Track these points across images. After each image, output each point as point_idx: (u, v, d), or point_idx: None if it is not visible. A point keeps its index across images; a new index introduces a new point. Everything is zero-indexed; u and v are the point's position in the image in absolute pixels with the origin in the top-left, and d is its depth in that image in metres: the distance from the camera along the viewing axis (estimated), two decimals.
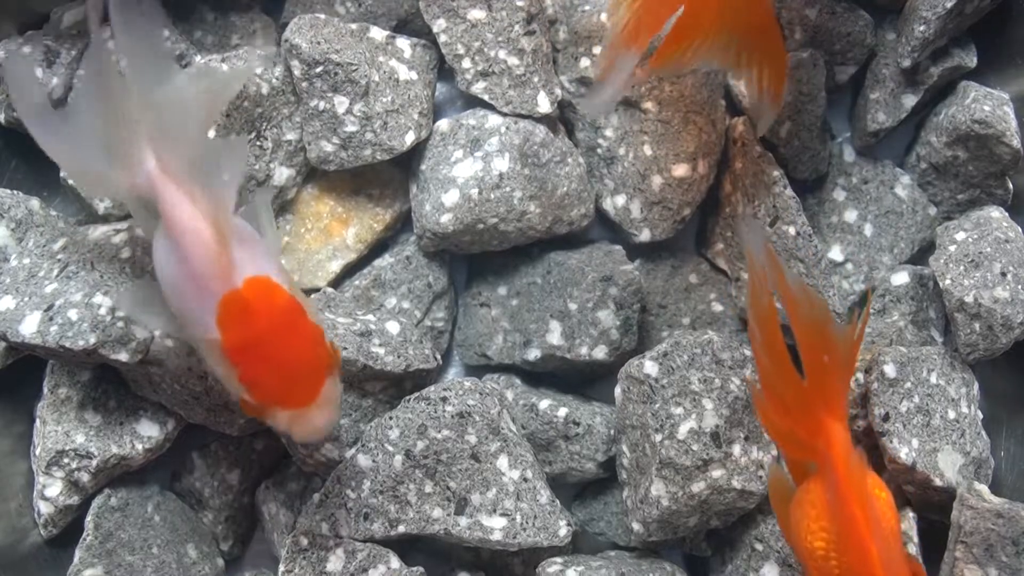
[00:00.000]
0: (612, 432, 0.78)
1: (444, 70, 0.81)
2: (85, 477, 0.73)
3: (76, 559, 0.73)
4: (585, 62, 0.79)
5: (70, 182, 0.77)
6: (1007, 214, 0.80)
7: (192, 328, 0.61)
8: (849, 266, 0.83)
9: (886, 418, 0.73)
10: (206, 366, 0.66)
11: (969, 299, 0.75)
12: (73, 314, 0.69)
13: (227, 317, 0.59)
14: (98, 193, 0.64)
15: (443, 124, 0.79)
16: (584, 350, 0.78)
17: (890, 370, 0.74)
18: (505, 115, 0.78)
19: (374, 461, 0.73)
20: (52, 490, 0.73)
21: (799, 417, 0.63)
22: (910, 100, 0.82)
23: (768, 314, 0.64)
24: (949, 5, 0.77)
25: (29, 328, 0.69)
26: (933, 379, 0.75)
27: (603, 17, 0.79)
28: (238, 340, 0.59)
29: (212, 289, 0.59)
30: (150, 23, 0.63)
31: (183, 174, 0.60)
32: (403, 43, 0.79)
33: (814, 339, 0.63)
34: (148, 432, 0.75)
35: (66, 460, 0.73)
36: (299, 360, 0.60)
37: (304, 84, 0.77)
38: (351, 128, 0.77)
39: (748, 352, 0.76)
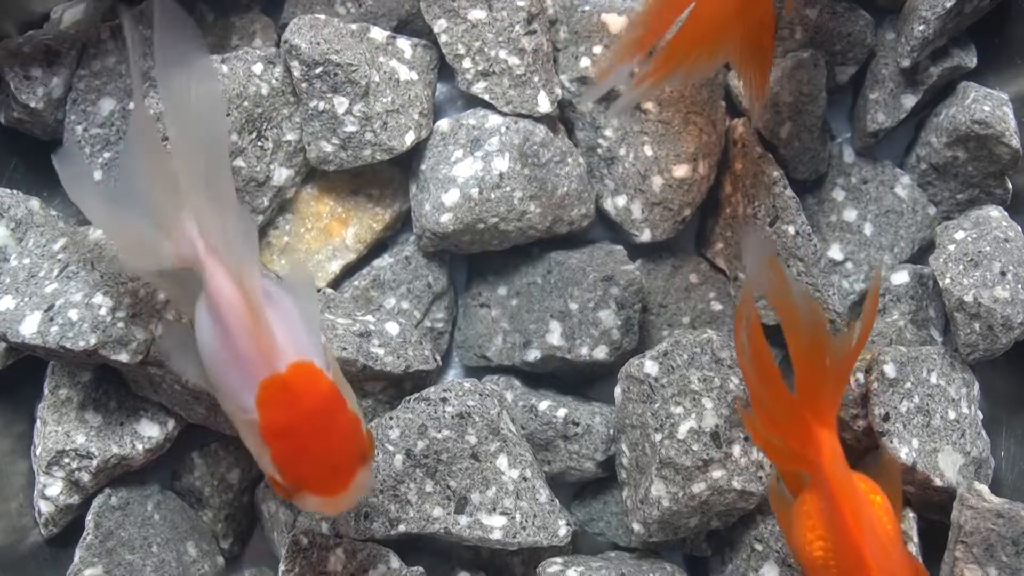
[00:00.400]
0: (611, 432, 0.78)
1: (444, 70, 0.81)
2: (86, 477, 0.74)
3: (76, 558, 0.73)
4: (585, 62, 0.79)
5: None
6: (1006, 214, 0.80)
7: (230, 403, 0.61)
8: (849, 265, 0.83)
9: (886, 418, 0.73)
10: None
11: (969, 298, 0.75)
12: (73, 314, 0.69)
13: (267, 400, 0.59)
14: (143, 264, 0.64)
15: (443, 124, 0.79)
16: (584, 350, 0.78)
17: (890, 370, 0.74)
18: (505, 115, 0.78)
19: (374, 461, 0.73)
20: (52, 490, 0.73)
21: (788, 428, 0.63)
22: (910, 100, 0.82)
23: (755, 326, 0.64)
24: (948, 5, 0.77)
25: (29, 328, 0.69)
26: (933, 379, 0.75)
27: (604, 17, 0.79)
28: (276, 424, 0.59)
29: (254, 370, 0.59)
30: (200, 88, 0.62)
31: (226, 247, 0.61)
32: (403, 43, 0.79)
33: (808, 349, 0.63)
34: (148, 432, 0.75)
35: (66, 460, 0.73)
36: (335, 449, 0.60)
37: (304, 85, 0.77)
38: (351, 128, 0.77)
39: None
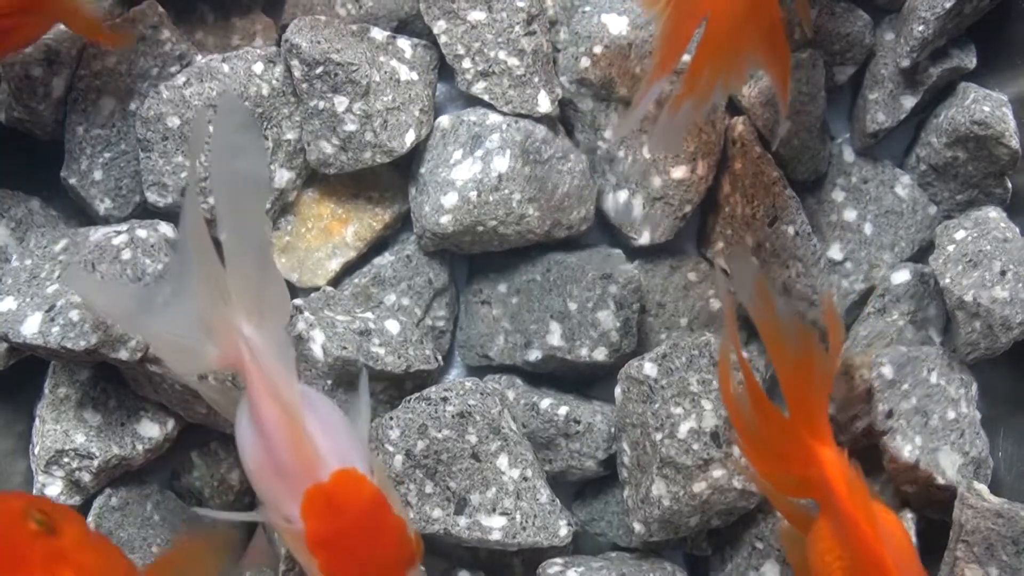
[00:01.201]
0: (612, 430, 0.78)
1: (445, 70, 0.81)
2: (87, 477, 0.73)
3: None
4: (585, 62, 0.79)
5: (71, 181, 0.77)
6: (1006, 214, 0.81)
7: (274, 513, 0.61)
8: (848, 265, 0.83)
9: (889, 416, 0.74)
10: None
11: (968, 298, 0.75)
12: (74, 315, 0.69)
13: (311, 510, 0.59)
14: (187, 369, 0.64)
15: (444, 120, 0.79)
16: (584, 351, 0.78)
17: (888, 371, 0.74)
18: (506, 115, 0.78)
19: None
20: (52, 489, 0.73)
21: (787, 454, 0.63)
22: (909, 101, 0.82)
23: (742, 361, 0.64)
24: (948, 5, 0.77)
25: (30, 329, 0.69)
26: (933, 379, 0.75)
27: (604, 18, 0.79)
28: (321, 533, 0.59)
29: (297, 481, 0.59)
30: (250, 194, 0.62)
31: (268, 353, 0.61)
32: (404, 43, 0.79)
33: (796, 372, 0.63)
34: (148, 432, 0.75)
35: (66, 460, 0.73)
36: (382, 556, 0.60)
37: (304, 84, 0.77)
38: (351, 127, 0.77)
39: (745, 353, 0.76)
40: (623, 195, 0.80)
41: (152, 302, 0.62)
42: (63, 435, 0.73)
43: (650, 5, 0.67)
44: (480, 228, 0.77)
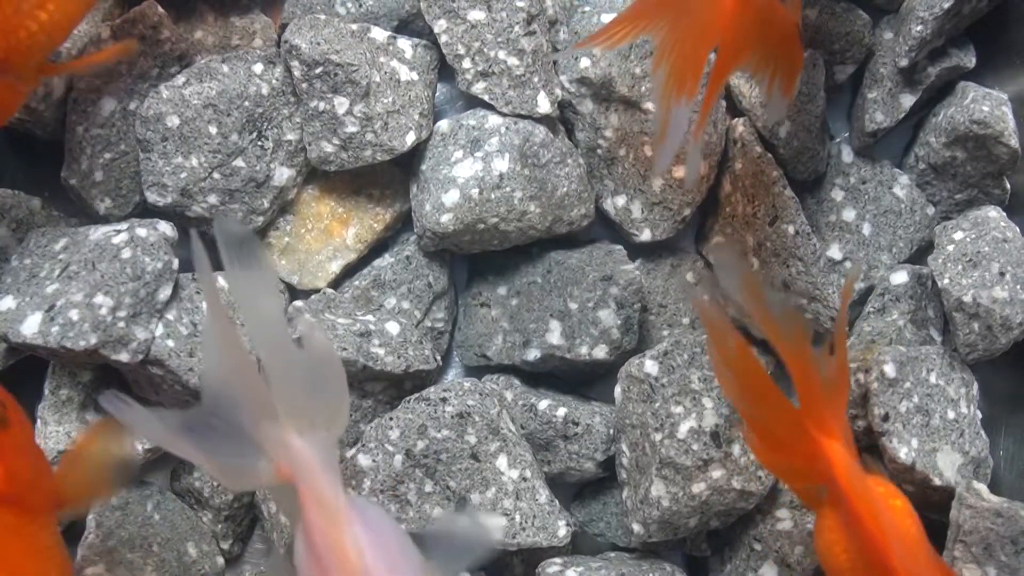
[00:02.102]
0: (611, 431, 0.78)
1: (445, 70, 0.81)
2: None
3: (79, 557, 0.73)
4: (585, 62, 0.79)
5: (71, 182, 0.77)
6: (1004, 214, 0.81)
7: None
8: (848, 264, 0.83)
9: (886, 418, 0.74)
10: None
11: (968, 299, 0.75)
12: (74, 314, 0.69)
13: None
14: (244, 487, 0.63)
15: (443, 124, 0.79)
16: (584, 350, 0.78)
17: (890, 370, 0.74)
18: (505, 115, 0.78)
19: (374, 461, 0.74)
20: None
21: (795, 445, 0.62)
22: (908, 100, 0.82)
23: (741, 352, 0.62)
24: (946, 6, 0.77)
25: (30, 328, 0.69)
26: (933, 379, 0.75)
27: (603, 18, 0.79)
28: None
29: None
30: (267, 299, 0.62)
31: (317, 467, 0.60)
32: (404, 43, 0.79)
33: (800, 359, 0.62)
34: None
35: None
36: None
37: (304, 85, 0.77)
38: (351, 129, 0.77)
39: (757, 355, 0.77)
40: (621, 200, 0.80)
41: (198, 424, 0.61)
42: (65, 436, 0.74)
43: (655, 67, 0.66)
44: (481, 226, 0.77)
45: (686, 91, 0.64)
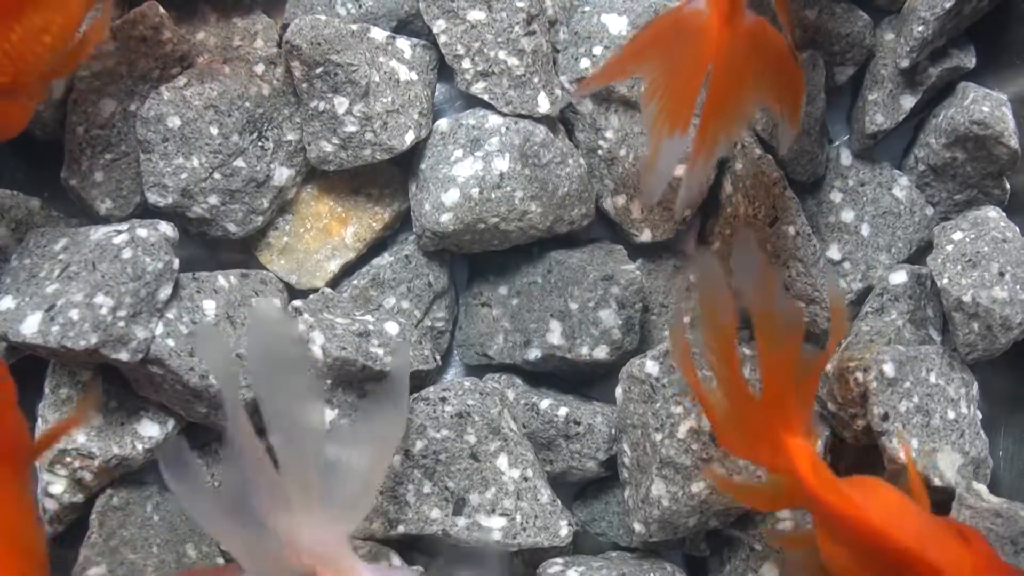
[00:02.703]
0: (613, 431, 0.78)
1: (444, 70, 0.81)
2: (88, 476, 0.74)
3: (81, 557, 0.73)
4: (585, 62, 0.80)
5: (71, 182, 0.78)
6: (1004, 214, 0.81)
7: None
8: (847, 265, 0.83)
9: (885, 417, 0.74)
10: None
11: (967, 298, 0.75)
12: (74, 314, 0.69)
13: None
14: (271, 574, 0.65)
15: (443, 124, 0.80)
16: (585, 350, 0.78)
17: (889, 369, 0.74)
18: (505, 115, 0.78)
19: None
20: (56, 487, 0.74)
21: (757, 439, 0.63)
22: (908, 101, 0.82)
23: (725, 335, 0.63)
24: (948, 5, 0.77)
25: (30, 328, 0.69)
26: (932, 379, 0.75)
27: (603, 18, 0.79)
28: None
29: None
30: (299, 403, 0.62)
31: (332, 560, 0.61)
32: (403, 43, 0.80)
33: (777, 360, 0.62)
34: (149, 432, 0.75)
35: (68, 459, 0.73)
36: None
37: (304, 85, 0.77)
38: (351, 128, 0.77)
39: (747, 351, 0.77)
40: (621, 200, 0.80)
41: (221, 505, 0.62)
42: (65, 435, 0.74)
43: (646, 102, 0.66)
44: (482, 225, 0.77)
45: (679, 125, 0.64)
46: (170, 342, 0.72)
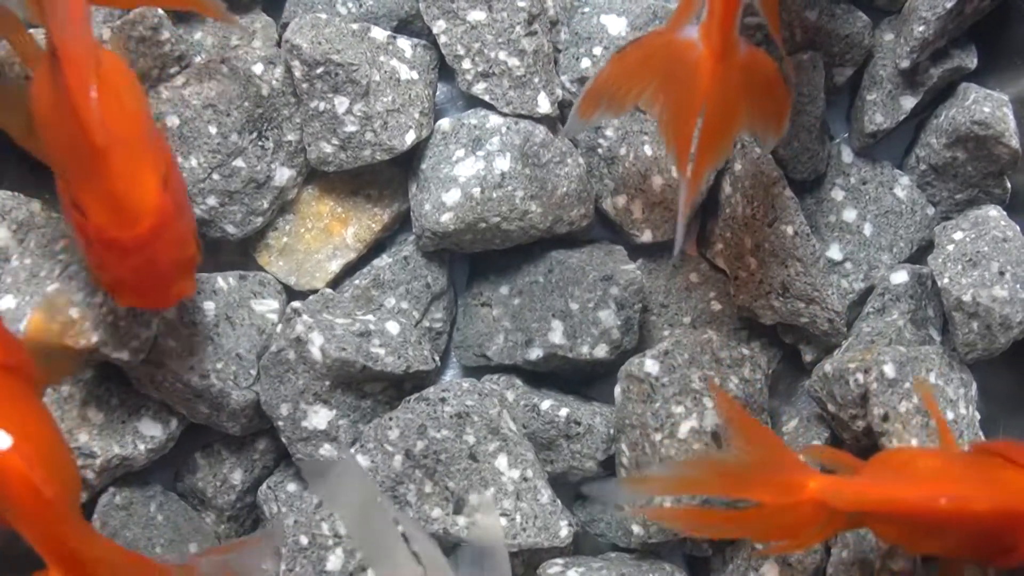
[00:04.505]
0: (612, 431, 0.78)
1: (445, 70, 0.81)
2: (90, 475, 0.74)
3: None
4: (586, 63, 0.80)
5: None
6: (1004, 213, 0.81)
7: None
8: (848, 265, 0.83)
9: (885, 418, 0.73)
10: None
11: (967, 298, 0.75)
12: (75, 313, 0.69)
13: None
14: None
15: (444, 123, 0.80)
16: (585, 349, 0.78)
17: (889, 370, 0.74)
18: (506, 115, 0.79)
19: (373, 461, 0.74)
20: None
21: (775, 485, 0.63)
22: (909, 102, 0.82)
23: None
24: (949, 5, 0.77)
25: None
26: (932, 379, 0.75)
27: (603, 19, 0.79)
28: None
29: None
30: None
31: None
32: (404, 43, 0.80)
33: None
34: (151, 432, 0.75)
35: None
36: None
37: (305, 85, 0.77)
38: (351, 128, 0.77)
39: (745, 351, 0.77)
40: (621, 200, 0.80)
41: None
42: (67, 434, 0.74)
43: (666, 143, 0.67)
44: (483, 225, 0.77)
45: (681, 166, 0.65)
46: (171, 342, 0.73)
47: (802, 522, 0.63)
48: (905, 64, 0.80)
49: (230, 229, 0.78)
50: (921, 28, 0.78)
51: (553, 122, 0.80)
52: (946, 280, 0.76)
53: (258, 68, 0.77)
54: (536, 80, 0.78)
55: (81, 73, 0.58)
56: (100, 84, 0.59)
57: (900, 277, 0.81)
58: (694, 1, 0.66)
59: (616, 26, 0.79)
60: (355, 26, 0.78)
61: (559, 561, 0.76)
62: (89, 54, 0.60)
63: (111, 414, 0.75)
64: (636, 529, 0.74)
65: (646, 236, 0.80)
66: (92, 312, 0.69)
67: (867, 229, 0.83)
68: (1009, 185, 0.82)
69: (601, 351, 0.78)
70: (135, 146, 0.61)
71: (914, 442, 0.73)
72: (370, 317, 0.78)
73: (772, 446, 0.64)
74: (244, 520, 0.80)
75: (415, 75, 0.79)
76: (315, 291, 0.80)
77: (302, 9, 0.81)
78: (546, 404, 0.78)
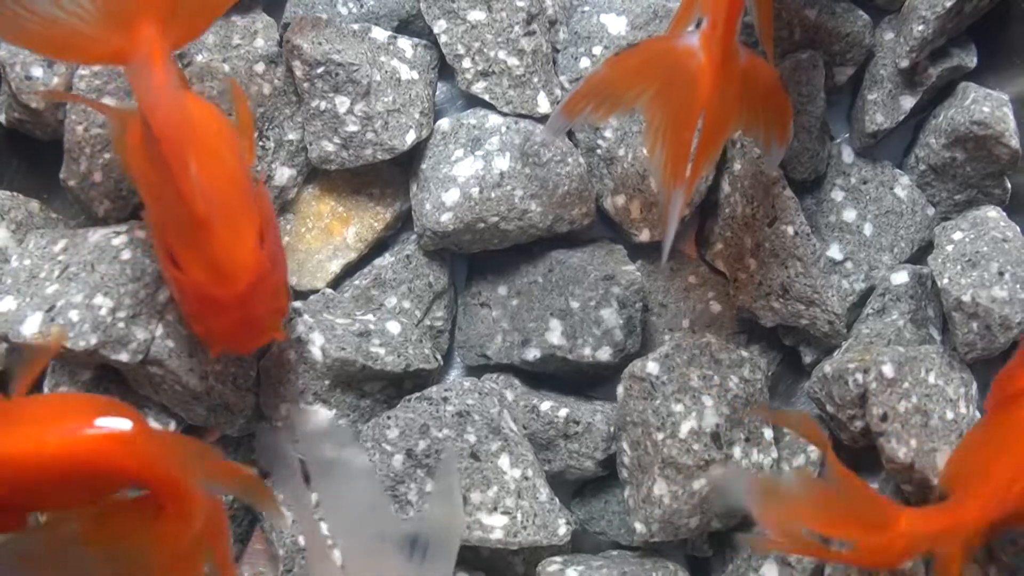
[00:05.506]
0: (611, 429, 0.78)
1: (445, 70, 0.81)
2: None
3: None
4: (585, 62, 0.80)
5: (70, 183, 0.77)
6: (1004, 213, 0.81)
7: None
8: (848, 265, 0.83)
9: (884, 418, 0.74)
10: None
11: (967, 298, 0.75)
12: (74, 315, 0.69)
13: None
14: None
15: (444, 123, 0.80)
16: (587, 351, 0.78)
17: (888, 370, 0.74)
18: (505, 115, 0.78)
19: (371, 460, 0.73)
20: None
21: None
22: (908, 101, 0.82)
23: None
24: (948, 4, 0.77)
25: (30, 329, 0.69)
26: (932, 379, 0.75)
27: (603, 18, 0.79)
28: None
29: None
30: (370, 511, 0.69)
31: None
32: (404, 43, 0.79)
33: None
34: None
35: None
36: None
37: (305, 84, 0.77)
38: (352, 128, 0.77)
39: (744, 353, 0.77)
40: (620, 199, 0.80)
41: None
42: None
43: (650, 149, 0.67)
44: (481, 225, 0.77)
45: (679, 177, 0.65)
46: (170, 343, 0.72)
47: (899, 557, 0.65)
48: (904, 63, 0.80)
49: None
50: (920, 27, 0.78)
51: None
52: (946, 280, 0.76)
53: (259, 67, 0.77)
54: (535, 80, 0.78)
55: (177, 149, 0.58)
56: (197, 149, 0.58)
57: (901, 277, 0.81)
58: (693, 7, 0.66)
59: (616, 25, 0.79)
60: (356, 26, 0.78)
61: (558, 559, 0.76)
62: (184, 125, 0.59)
63: None
64: (638, 527, 0.75)
65: (644, 235, 0.80)
66: (91, 314, 0.69)
67: (867, 229, 0.83)
68: (1009, 185, 0.82)
69: (604, 353, 0.78)
70: (234, 207, 0.61)
71: (913, 442, 0.73)
72: (370, 317, 0.78)
73: (860, 486, 0.67)
74: (241, 520, 0.80)
75: (415, 75, 0.79)
76: (316, 291, 0.80)
77: (303, 9, 0.81)
78: (546, 405, 0.78)
